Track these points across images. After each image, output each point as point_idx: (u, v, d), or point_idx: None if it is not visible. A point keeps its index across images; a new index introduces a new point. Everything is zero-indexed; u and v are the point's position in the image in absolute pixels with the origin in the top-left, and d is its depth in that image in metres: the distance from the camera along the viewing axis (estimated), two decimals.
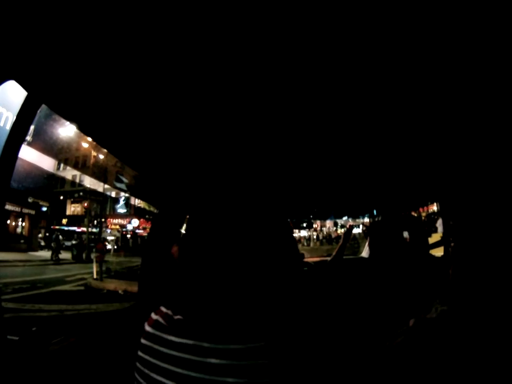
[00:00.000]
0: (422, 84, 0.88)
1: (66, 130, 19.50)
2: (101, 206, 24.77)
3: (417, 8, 0.61)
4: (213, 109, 0.99)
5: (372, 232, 1.54)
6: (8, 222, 19.44)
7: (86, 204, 22.62)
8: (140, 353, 0.61)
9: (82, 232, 21.75)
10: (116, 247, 21.53)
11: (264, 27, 0.65)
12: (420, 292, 1.28)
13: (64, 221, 27.04)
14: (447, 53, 0.74)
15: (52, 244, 16.32)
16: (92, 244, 17.12)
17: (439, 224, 9.93)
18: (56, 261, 15.22)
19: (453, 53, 0.74)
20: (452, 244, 1.51)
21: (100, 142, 1.15)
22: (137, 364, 0.60)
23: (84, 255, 16.61)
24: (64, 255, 17.13)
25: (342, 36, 0.68)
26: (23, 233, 20.66)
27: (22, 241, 19.48)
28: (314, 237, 27.07)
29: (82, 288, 9.47)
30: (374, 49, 0.72)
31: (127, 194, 26.30)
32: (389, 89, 0.91)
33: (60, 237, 21.48)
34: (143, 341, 0.61)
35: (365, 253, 3.23)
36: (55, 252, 15.66)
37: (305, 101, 0.97)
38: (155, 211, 2.25)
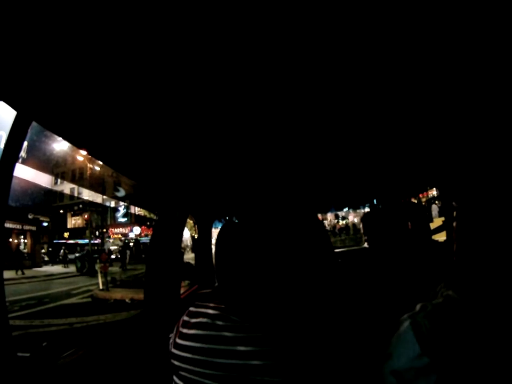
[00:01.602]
0: (416, 71, 0.88)
1: (60, 145, 19.44)
2: (101, 216, 24.71)
3: (417, 8, 0.62)
4: (212, 109, 0.98)
5: (366, 222, 1.54)
6: (10, 240, 19.40)
7: (86, 216, 22.56)
8: (179, 341, 0.64)
9: (85, 244, 21.71)
10: (118, 255, 21.49)
11: (265, 27, 0.65)
12: (424, 279, 1.27)
13: (66, 234, 26.99)
14: (430, 42, 0.74)
15: (78, 260, 17.25)
16: (96, 255, 17.11)
17: (433, 209, 9.96)
18: (88, 271, 15.78)
19: (435, 41, 0.74)
20: (455, 225, 1.50)
21: (93, 154, 1.15)
22: (179, 352, 0.63)
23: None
24: (69, 268, 17.18)
25: (340, 34, 0.69)
26: (26, 249, 20.62)
27: (25, 257, 19.43)
28: None
29: (89, 300, 9.48)
30: (368, 41, 0.73)
31: (126, 203, 26.24)
32: (384, 78, 0.91)
33: (64, 250, 21.46)
34: (190, 331, 0.63)
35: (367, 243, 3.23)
36: (88, 266, 16.26)
37: (302, 94, 0.96)
38: (155, 218, 2.26)
